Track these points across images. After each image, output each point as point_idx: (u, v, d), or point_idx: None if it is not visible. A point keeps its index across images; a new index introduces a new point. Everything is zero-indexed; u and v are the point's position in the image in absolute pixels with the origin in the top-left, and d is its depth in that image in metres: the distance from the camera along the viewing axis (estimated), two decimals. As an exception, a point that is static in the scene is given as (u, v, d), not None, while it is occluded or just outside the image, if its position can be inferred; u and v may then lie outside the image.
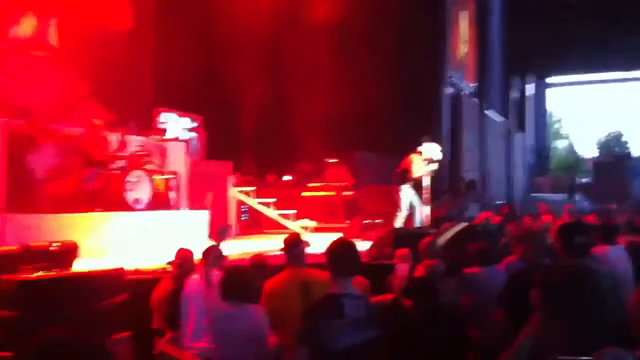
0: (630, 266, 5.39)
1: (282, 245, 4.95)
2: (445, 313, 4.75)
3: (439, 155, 12.05)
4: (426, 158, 11.91)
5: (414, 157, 11.92)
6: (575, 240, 4.19)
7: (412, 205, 11.78)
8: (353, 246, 3.92)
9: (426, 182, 11.98)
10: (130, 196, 9.52)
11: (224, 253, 5.60)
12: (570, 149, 42.65)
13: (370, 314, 3.62)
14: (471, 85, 22.76)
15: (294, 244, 4.96)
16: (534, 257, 4.61)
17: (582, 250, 4.17)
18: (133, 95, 13.40)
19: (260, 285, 4.82)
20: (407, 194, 11.76)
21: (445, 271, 5.54)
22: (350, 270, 3.72)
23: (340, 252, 3.79)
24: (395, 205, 11.88)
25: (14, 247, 5.84)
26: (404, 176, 11.84)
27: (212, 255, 5.29)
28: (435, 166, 12.04)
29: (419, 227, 11.01)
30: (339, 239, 4.13)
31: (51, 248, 5.91)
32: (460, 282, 5.38)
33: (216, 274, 4.95)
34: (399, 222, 11.57)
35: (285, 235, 5.13)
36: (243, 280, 4.58)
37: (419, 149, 11.99)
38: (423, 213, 11.81)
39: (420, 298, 4.85)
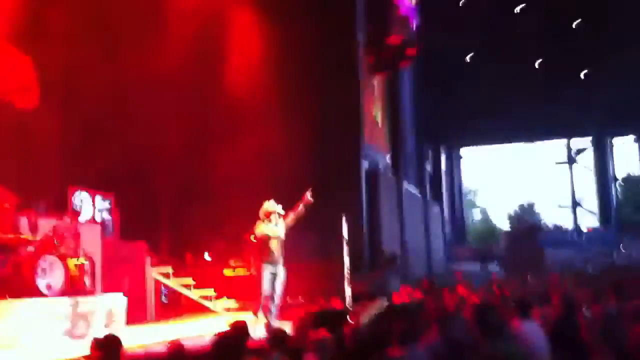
0: (545, 342, 5.49)
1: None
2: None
3: (277, 207, 10.39)
4: (267, 212, 10.29)
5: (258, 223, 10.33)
6: (490, 321, 4.30)
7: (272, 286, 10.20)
8: (232, 338, 3.85)
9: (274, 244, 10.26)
10: (42, 282, 9.12)
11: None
12: (486, 220, 44.02)
13: None
14: (386, 156, 23.27)
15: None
16: (453, 335, 4.67)
17: (496, 330, 4.27)
18: (42, 174, 13.05)
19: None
20: (266, 270, 10.19)
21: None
22: None
23: (224, 348, 3.71)
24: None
25: None
26: (260, 249, 10.36)
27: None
28: (280, 222, 10.38)
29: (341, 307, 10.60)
30: (222, 334, 4.07)
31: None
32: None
33: None
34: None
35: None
36: None
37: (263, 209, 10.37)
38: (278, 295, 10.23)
39: None
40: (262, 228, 10.22)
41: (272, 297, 10.10)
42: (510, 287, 11.02)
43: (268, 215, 10.26)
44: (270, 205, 10.36)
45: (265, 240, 10.18)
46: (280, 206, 10.45)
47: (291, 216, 10.45)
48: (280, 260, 10.29)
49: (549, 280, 14.28)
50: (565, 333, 5.75)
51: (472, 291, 11.06)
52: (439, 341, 4.90)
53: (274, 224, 10.28)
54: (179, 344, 5.98)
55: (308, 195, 10.49)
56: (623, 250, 27.09)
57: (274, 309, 10.05)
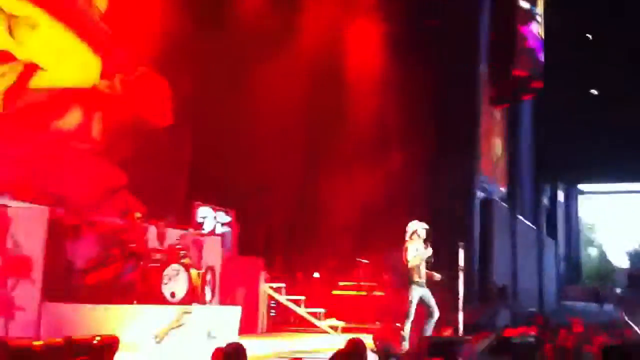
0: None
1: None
2: None
3: (424, 226, 10.24)
4: (415, 232, 10.10)
5: (408, 244, 10.08)
6: None
7: (426, 305, 10.03)
8: (351, 356, 3.93)
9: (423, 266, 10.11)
10: (167, 290, 9.61)
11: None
12: (603, 258, 42.12)
13: None
14: (502, 189, 22.89)
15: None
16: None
17: None
18: (170, 188, 13.75)
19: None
20: (416, 292, 9.94)
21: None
22: None
23: None
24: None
25: (58, 340, 5.92)
26: (410, 270, 9.98)
27: None
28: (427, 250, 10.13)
29: (454, 336, 10.44)
30: (336, 353, 4.15)
31: (94, 342, 5.99)
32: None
33: None
34: (406, 327, 9.80)
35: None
36: None
37: (408, 228, 10.23)
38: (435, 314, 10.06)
39: None
40: (414, 250, 9.97)
41: (428, 316, 9.97)
42: (631, 330, 10.55)
43: (416, 234, 10.10)
44: (416, 225, 10.23)
45: (416, 262, 9.98)
46: (425, 225, 10.27)
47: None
48: (425, 282, 10.11)
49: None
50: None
51: (591, 331, 10.66)
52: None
53: (422, 245, 10.10)
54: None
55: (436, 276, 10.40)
56: None
57: (428, 328, 9.96)
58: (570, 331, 10.80)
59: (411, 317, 9.86)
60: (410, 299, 9.88)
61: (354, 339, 5.84)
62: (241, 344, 5.44)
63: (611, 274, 37.31)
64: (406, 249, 9.98)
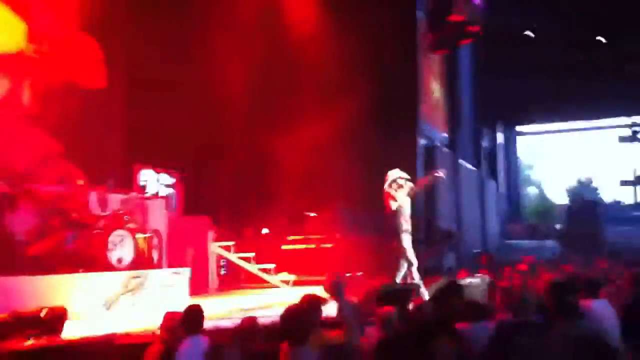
0: (616, 321, 5.41)
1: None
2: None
3: (404, 175, 10.28)
4: (395, 180, 10.09)
5: (388, 190, 10.06)
6: (567, 299, 4.22)
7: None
8: (305, 312, 3.95)
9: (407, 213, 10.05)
10: (113, 256, 9.49)
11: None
12: (542, 196, 43.35)
13: None
14: (444, 135, 23.13)
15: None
16: (524, 314, 4.67)
17: (573, 310, 4.20)
18: (108, 153, 13.44)
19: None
20: (407, 241, 9.89)
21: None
22: (304, 338, 3.70)
23: (294, 322, 3.79)
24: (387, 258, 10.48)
25: (4, 315, 5.80)
26: (398, 219, 9.89)
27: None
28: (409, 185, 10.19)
29: (405, 283, 10.42)
30: (288, 309, 4.16)
31: (41, 315, 5.88)
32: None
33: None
34: (399, 277, 9.81)
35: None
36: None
37: (388, 177, 10.23)
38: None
39: None
40: (398, 198, 9.89)
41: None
42: (573, 265, 10.89)
43: (397, 183, 10.02)
44: (397, 173, 10.20)
45: (401, 210, 9.90)
46: (404, 174, 10.26)
47: (413, 188, 10.25)
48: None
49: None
50: (638, 312, 5.63)
51: (535, 268, 10.99)
52: (507, 319, 4.92)
53: (403, 193, 10.02)
54: (252, 319, 6.16)
55: (439, 174, 10.78)
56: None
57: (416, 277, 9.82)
58: (514, 269, 11.13)
59: (415, 264, 9.80)
60: (404, 247, 9.78)
61: (309, 294, 5.86)
62: (199, 306, 5.40)
63: (550, 210, 38.43)
64: (388, 198, 9.91)
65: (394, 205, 9.88)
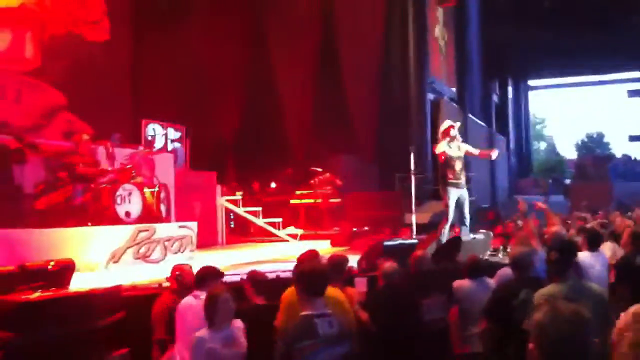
0: (607, 273, 5.72)
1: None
2: (427, 330, 4.90)
3: (456, 124, 9.69)
4: (448, 131, 9.46)
5: (440, 144, 9.50)
6: (569, 259, 4.21)
7: (459, 208, 9.49)
8: (321, 266, 4.02)
9: (458, 166, 9.50)
10: (121, 210, 9.54)
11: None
12: (552, 150, 43.15)
13: (342, 331, 3.72)
14: (452, 89, 22.96)
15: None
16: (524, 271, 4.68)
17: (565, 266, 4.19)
18: (114, 107, 13.40)
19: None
20: (451, 194, 9.39)
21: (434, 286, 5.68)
22: (320, 289, 3.78)
23: (309, 272, 3.86)
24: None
25: (11, 267, 5.88)
26: (443, 169, 9.50)
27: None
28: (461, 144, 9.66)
29: (408, 239, 10.16)
30: (306, 259, 4.19)
31: (49, 267, 5.96)
32: (450, 295, 5.56)
33: None
34: (445, 234, 9.27)
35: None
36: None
37: (440, 127, 9.76)
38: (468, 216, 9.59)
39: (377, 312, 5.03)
40: (443, 147, 9.34)
41: (461, 219, 9.47)
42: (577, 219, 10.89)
43: (447, 133, 9.41)
44: (447, 123, 9.67)
45: (449, 161, 9.38)
46: (458, 123, 9.80)
47: (474, 151, 9.91)
48: (464, 183, 9.59)
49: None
50: (630, 268, 5.77)
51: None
52: (510, 275, 4.93)
53: (455, 144, 9.49)
54: (259, 273, 6.20)
55: (493, 156, 10.41)
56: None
57: (465, 228, 9.45)
58: (518, 224, 11.08)
59: (450, 219, 9.35)
60: (446, 200, 9.35)
61: (336, 254, 5.82)
62: (215, 268, 5.35)
63: (561, 165, 38.33)
64: (438, 149, 9.44)
65: (439, 152, 9.43)
